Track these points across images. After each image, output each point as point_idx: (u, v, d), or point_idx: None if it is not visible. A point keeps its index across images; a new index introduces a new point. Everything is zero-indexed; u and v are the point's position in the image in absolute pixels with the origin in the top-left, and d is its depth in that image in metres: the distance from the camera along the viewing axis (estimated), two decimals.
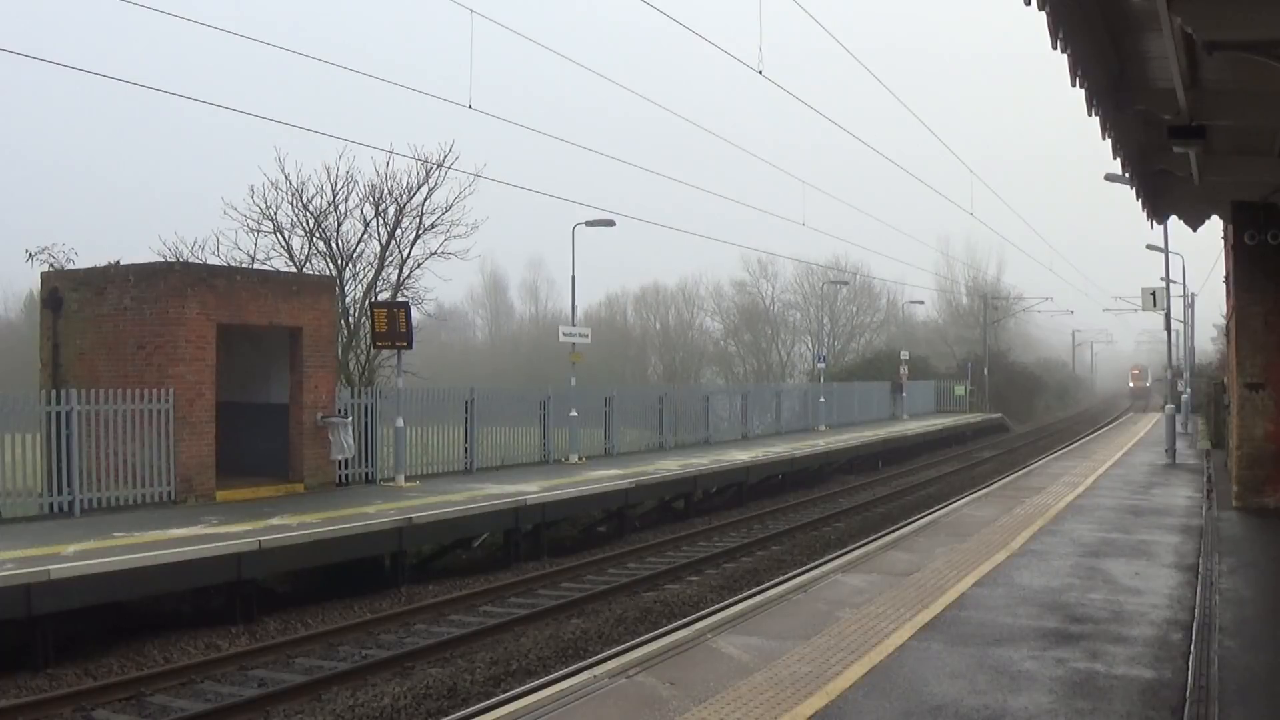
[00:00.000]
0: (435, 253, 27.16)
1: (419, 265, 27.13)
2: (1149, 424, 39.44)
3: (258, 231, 25.29)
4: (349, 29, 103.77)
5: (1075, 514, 14.51)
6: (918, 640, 7.68)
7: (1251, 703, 6.31)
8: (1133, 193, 14.50)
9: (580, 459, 22.57)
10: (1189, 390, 35.37)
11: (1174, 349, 29.99)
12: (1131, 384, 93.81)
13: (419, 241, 26.90)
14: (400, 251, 26.85)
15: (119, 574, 10.52)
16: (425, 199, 26.68)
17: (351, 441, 17.36)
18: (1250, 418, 14.88)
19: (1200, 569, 10.37)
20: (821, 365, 40.81)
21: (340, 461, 17.49)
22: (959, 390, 51.60)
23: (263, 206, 25.28)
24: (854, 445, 29.49)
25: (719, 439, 29.17)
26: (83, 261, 18.99)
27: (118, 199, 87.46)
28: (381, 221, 26.44)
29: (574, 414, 22.86)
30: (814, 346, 66.51)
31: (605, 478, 19.09)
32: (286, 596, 13.02)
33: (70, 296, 16.17)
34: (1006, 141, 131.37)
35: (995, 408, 52.44)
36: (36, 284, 18.22)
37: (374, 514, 14.09)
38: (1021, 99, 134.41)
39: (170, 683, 9.70)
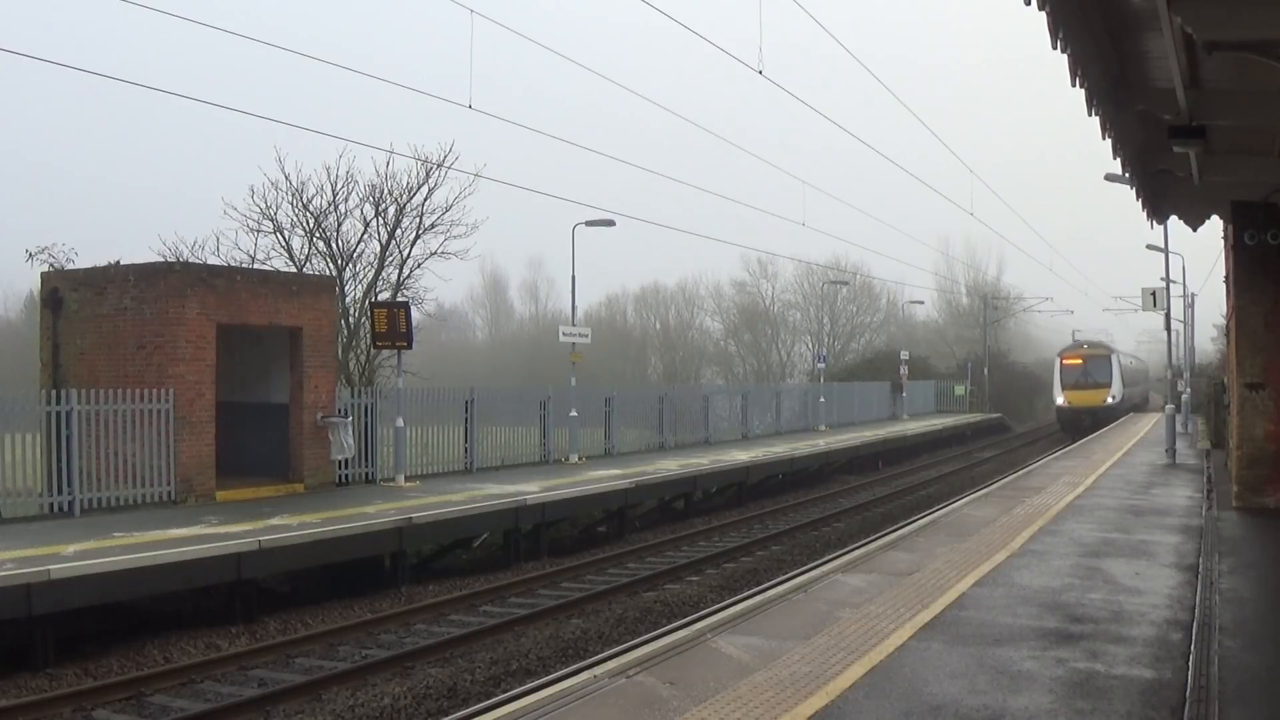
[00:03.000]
0: (435, 253, 27.18)
1: (419, 265, 27.15)
2: (1149, 424, 39.42)
3: (258, 231, 25.31)
4: (349, 29, 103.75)
5: (1075, 514, 14.51)
6: (918, 640, 7.68)
7: (1251, 703, 6.31)
8: (1133, 193, 14.50)
9: (580, 459, 22.57)
10: (1189, 390, 35.36)
11: (1174, 349, 30.00)
12: (1063, 397, 42.40)
13: (419, 241, 26.92)
14: (400, 251, 26.86)
15: (119, 574, 10.52)
16: (425, 199, 26.69)
17: (351, 441, 17.36)
18: (1250, 418, 14.88)
19: (1200, 569, 10.37)
20: (821, 365, 40.81)
21: (340, 461, 17.49)
22: (959, 390, 51.58)
23: (263, 206, 25.30)
24: (854, 445, 29.49)
25: (719, 439, 29.17)
26: (83, 261, 18.99)
27: (118, 199, 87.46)
28: (381, 221, 26.45)
29: (574, 414, 22.85)
30: (814, 346, 66.52)
31: (605, 478, 19.09)
32: (286, 596, 13.02)
33: (70, 296, 16.17)
34: (1006, 141, 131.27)
35: (995, 407, 52.42)
36: (36, 284, 18.23)
37: (374, 514, 14.09)
38: (1021, 99, 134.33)
39: (170, 683, 9.70)
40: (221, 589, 11.84)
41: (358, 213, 26.27)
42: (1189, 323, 36.16)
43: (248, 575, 11.77)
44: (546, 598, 13.41)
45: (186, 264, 18.40)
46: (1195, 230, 18.27)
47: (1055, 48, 7.36)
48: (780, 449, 26.45)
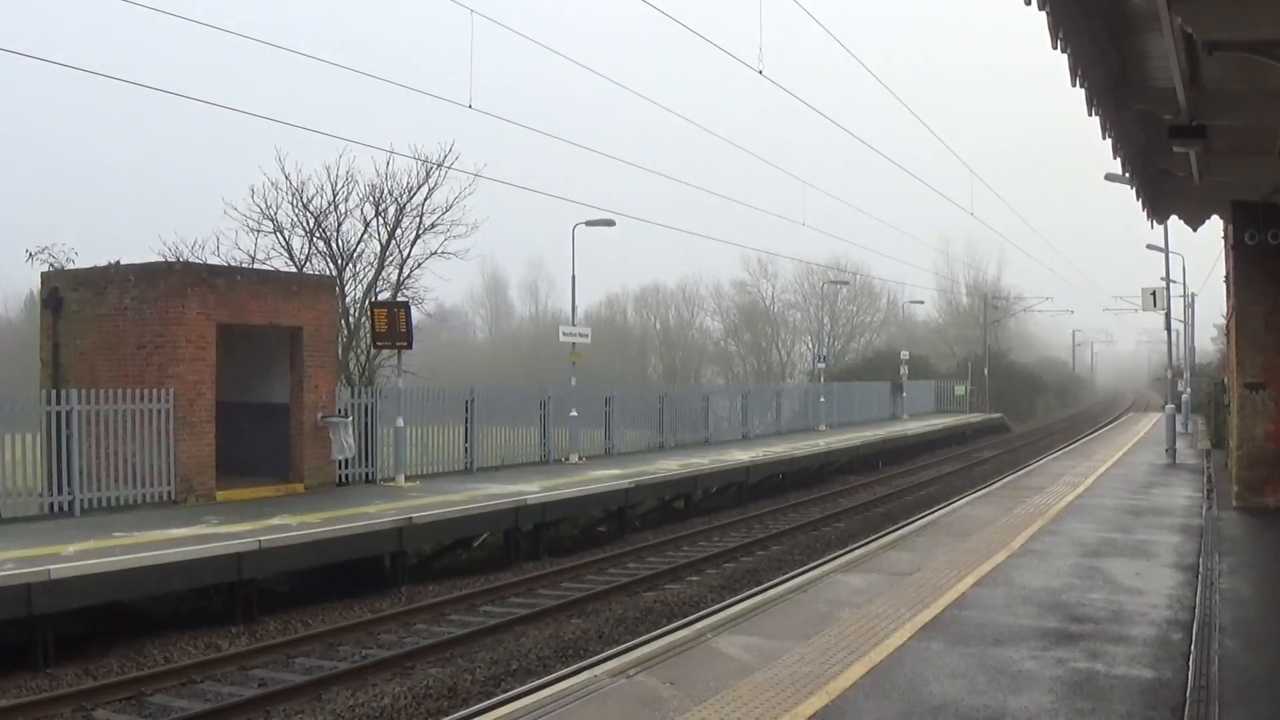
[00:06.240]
0: (435, 253, 27.21)
1: (419, 265, 27.18)
2: (1149, 424, 39.43)
3: (258, 231, 25.33)
4: (349, 29, 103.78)
5: (1075, 514, 14.51)
6: (918, 640, 7.68)
7: (1251, 703, 6.31)
8: (1133, 193, 14.51)
9: (580, 459, 22.56)
10: (1189, 390, 35.36)
11: (1174, 349, 30.00)
12: None
13: (419, 241, 26.94)
14: (400, 251, 26.88)
15: (119, 574, 10.51)
16: (425, 199, 26.72)
17: (352, 441, 17.36)
18: (1250, 418, 14.89)
19: (1200, 569, 10.37)
20: (822, 365, 40.79)
21: (341, 461, 17.48)
22: (959, 390, 51.54)
23: (263, 206, 25.32)
24: (854, 445, 29.49)
25: (719, 439, 29.16)
26: (83, 261, 19.00)
27: (117, 199, 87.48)
28: (381, 221, 26.47)
29: (574, 414, 22.85)
30: (814, 346, 66.53)
31: (605, 478, 19.08)
32: (286, 596, 13.02)
33: (70, 296, 16.17)
34: (1006, 141, 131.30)
35: (995, 407, 52.38)
36: (36, 284, 18.22)
37: (374, 514, 14.09)
38: (1022, 99, 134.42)
39: (170, 683, 9.70)
40: (222, 589, 11.84)
41: (358, 213, 26.31)
42: (1189, 323, 36.16)
43: (248, 575, 11.76)
44: (546, 598, 13.40)
45: (186, 264, 18.39)
46: (1195, 230, 18.30)
47: (1055, 48, 7.37)
48: (780, 449, 26.45)
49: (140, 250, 33.24)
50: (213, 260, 23.59)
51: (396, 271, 26.88)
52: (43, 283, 17.01)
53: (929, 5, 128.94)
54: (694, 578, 14.68)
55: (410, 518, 13.86)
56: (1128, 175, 13.37)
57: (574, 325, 24.76)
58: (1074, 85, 8.30)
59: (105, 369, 15.43)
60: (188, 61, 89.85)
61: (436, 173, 26.34)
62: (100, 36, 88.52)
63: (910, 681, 6.68)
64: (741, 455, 24.36)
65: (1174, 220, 18.43)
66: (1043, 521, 13.66)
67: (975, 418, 46.05)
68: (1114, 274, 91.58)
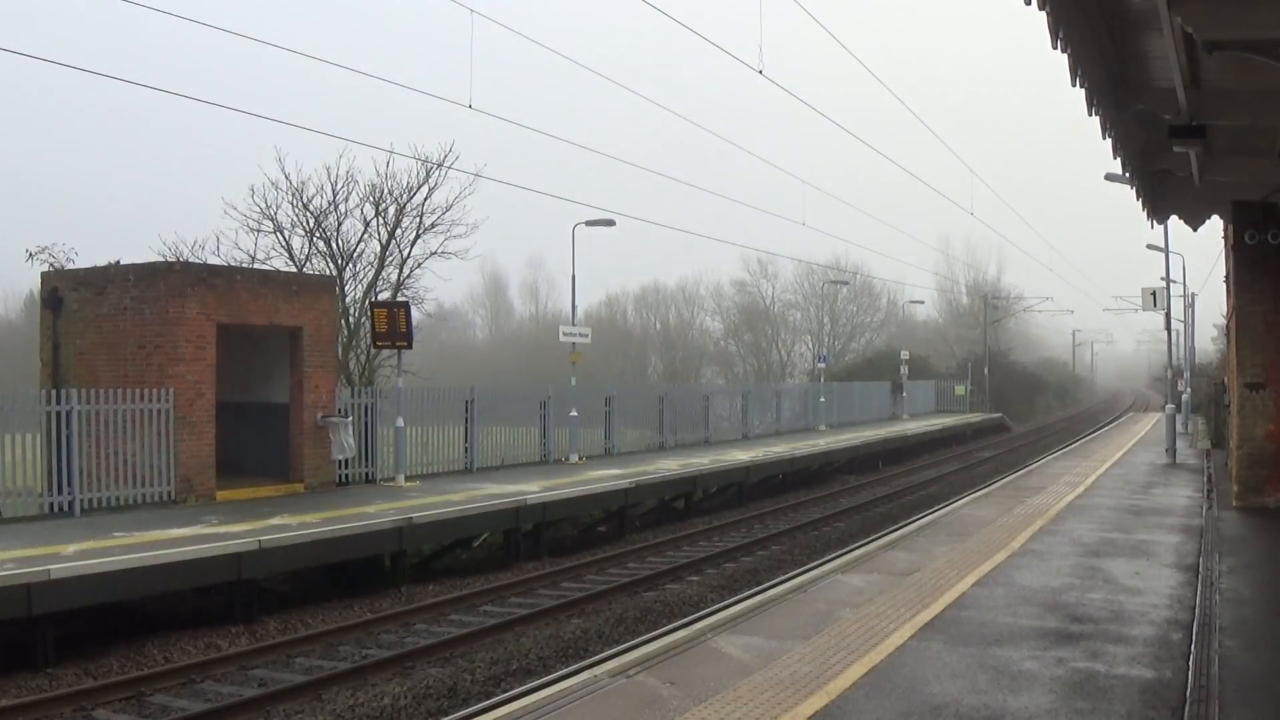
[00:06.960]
0: (435, 252, 27.20)
1: (419, 265, 27.17)
2: (1149, 424, 39.42)
3: (258, 231, 25.32)
4: (349, 29, 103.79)
5: (1075, 514, 14.51)
6: (918, 640, 7.68)
7: (1251, 703, 6.31)
8: (1133, 193, 14.52)
9: (580, 459, 22.56)
10: (1189, 390, 35.35)
11: (1174, 349, 29.99)
12: None
13: (419, 241, 26.94)
14: (400, 251, 26.87)
15: (119, 574, 10.51)
16: (425, 199, 26.71)
17: (352, 441, 17.36)
18: (1250, 418, 14.88)
19: (1200, 569, 10.37)
20: (822, 365, 40.79)
21: (340, 461, 17.48)
22: (959, 390, 51.56)
23: (263, 206, 25.31)
24: (854, 445, 29.49)
25: (719, 439, 29.16)
26: (83, 261, 19.00)
27: (118, 199, 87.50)
28: (381, 221, 26.45)
29: (574, 414, 22.84)
30: (814, 346, 66.59)
31: (605, 477, 19.08)
32: (286, 596, 13.02)
33: (70, 296, 16.16)
34: (1007, 141, 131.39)
35: (995, 407, 52.39)
36: (36, 284, 18.21)
37: (374, 514, 14.09)
38: (1022, 99, 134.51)
39: (170, 683, 9.70)
40: (222, 589, 11.84)
41: (358, 213, 26.30)
42: (1189, 323, 36.14)
43: (248, 575, 11.76)
44: (546, 597, 13.41)
45: (186, 264, 18.39)
46: (1195, 230, 18.31)
47: (1055, 48, 7.37)
48: (780, 449, 26.45)
49: (140, 250, 33.35)
50: (213, 260, 23.59)
51: (396, 271, 26.89)
52: (43, 283, 17.00)
53: (928, 5, 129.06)
54: (694, 578, 14.68)
55: (410, 518, 13.86)
56: (1128, 175, 13.38)
57: (574, 325, 24.74)
58: (1074, 85, 8.30)
59: (105, 369, 15.42)
60: (188, 61, 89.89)
61: (436, 173, 26.36)
62: (100, 36, 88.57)
63: (910, 681, 6.68)
64: (741, 455, 24.36)
65: (1174, 220, 18.45)
66: (1043, 521, 13.65)
67: (975, 418, 46.05)
68: (1114, 274, 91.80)
